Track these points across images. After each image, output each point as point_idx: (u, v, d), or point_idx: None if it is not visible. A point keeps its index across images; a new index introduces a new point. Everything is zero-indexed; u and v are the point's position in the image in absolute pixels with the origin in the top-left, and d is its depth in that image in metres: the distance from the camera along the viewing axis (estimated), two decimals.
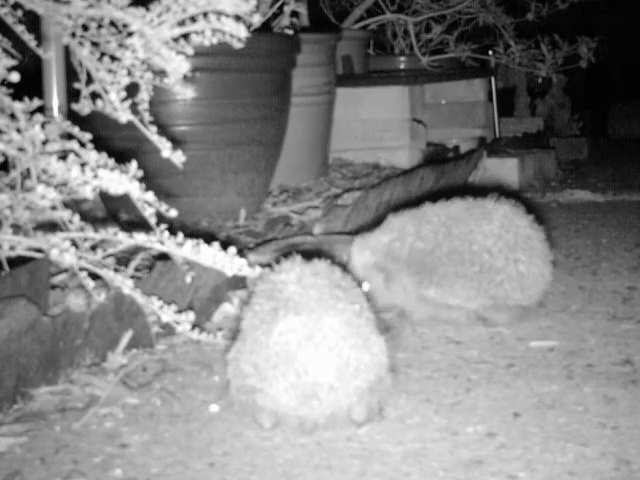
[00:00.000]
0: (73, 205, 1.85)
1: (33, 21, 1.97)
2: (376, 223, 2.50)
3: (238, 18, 1.61)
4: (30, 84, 1.97)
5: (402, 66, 5.63)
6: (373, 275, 2.39)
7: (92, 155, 1.65)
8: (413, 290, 2.38)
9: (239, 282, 2.50)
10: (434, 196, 2.49)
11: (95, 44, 1.67)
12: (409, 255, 2.37)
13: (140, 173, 1.62)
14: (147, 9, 1.62)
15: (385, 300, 2.38)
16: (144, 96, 1.63)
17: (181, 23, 1.60)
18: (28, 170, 1.73)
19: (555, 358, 2.17)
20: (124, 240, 1.68)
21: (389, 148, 4.49)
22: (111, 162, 1.64)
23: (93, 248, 1.73)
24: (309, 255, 1.90)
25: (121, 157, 1.66)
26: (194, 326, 1.71)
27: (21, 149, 1.70)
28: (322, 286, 1.78)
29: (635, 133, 7.29)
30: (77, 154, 1.65)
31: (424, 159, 4.53)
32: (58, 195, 1.64)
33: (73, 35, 1.67)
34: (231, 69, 3.17)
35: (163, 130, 1.66)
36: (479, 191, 2.53)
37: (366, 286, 2.36)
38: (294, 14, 3.83)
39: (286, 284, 1.78)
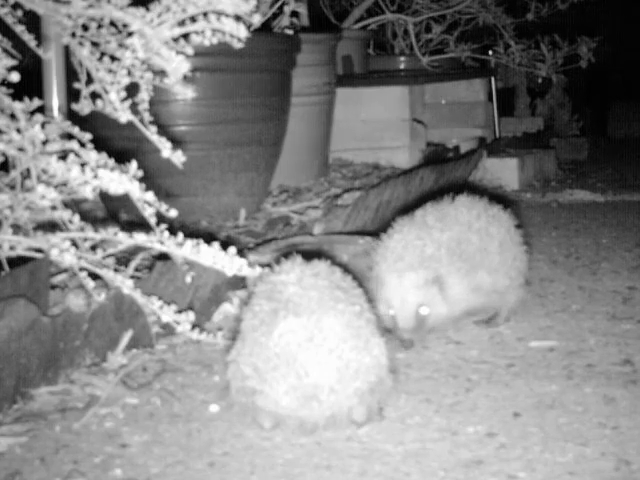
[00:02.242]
0: (73, 205, 1.85)
1: (33, 21, 1.97)
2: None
3: (238, 18, 1.61)
4: (30, 84, 1.97)
5: (402, 66, 5.63)
6: (430, 293, 2.20)
7: (92, 155, 1.65)
8: (468, 285, 2.26)
9: (239, 282, 2.50)
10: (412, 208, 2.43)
11: (95, 44, 1.67)
12: (446, 251, 2.24)
13: (140, 173, 1.62)
14: (147, 9, 1.62)
15: (443, 317, 2.24)
16: (144, 96, 1.64)
17: (181, 23, 1.60)
18: (28, 170, 1.73)
19: (555, 358, 2.17)
20: (124, 240, 1.68)
21: (389, 148, 4.49)
22: (111, 162, 1.64)
23: (93, 248, 1.73)
24: (309, 255, 1.90)
25: (121, 157, 1.66)
26: (194, 326, 1.71)
27: (21, 149, 1.70)
28: (322, 287, 1.78)
29: (635, 133, 7.29)
30: (77, 154, 1.66)
31: (424, 159, 4.53)
32: (58, 195, 1.64)
33: (73, 35, 1.67)
34: (231, 69, 3.17)
35: (163, 130, 1.66)
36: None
37: (425, 310, 2.20)
38: (294, 14, 3.83)
39: (286, 285, 1.78)
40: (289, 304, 1.74)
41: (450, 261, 2.23)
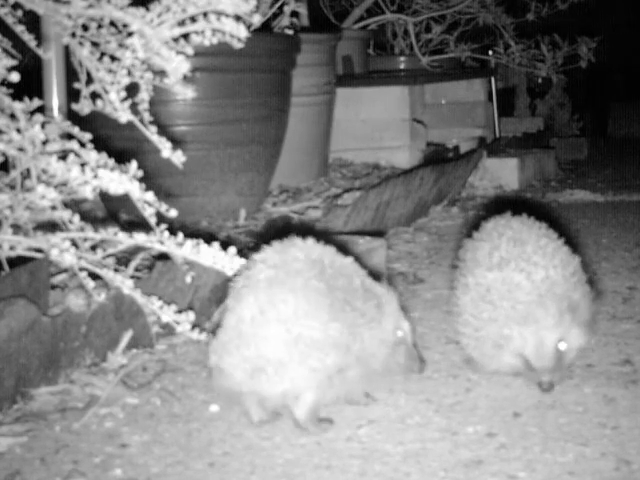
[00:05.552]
0: (73, 205, 1.85)
1: (33, 21, 1.97)
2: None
3: (238, 18, 1.61)
4: (30, 84, 1.97)
5: (402, 66, 5.63)
6: (566, 324, 1.93)
7: (92, 155, 1.65)
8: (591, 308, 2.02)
9: None
10: None
11: (95, 44, 1.67)
12: (571, 274, 1.99)
13: (140, 173, 1.62)
14: (147, 9, 1.62)
15: (580, 347, 1.99)
16: (144, 96, 1.64)
17: (181, 23, 1.60)
18: (28, 170, 1.73)
19: None
20: (124, 240, 1.68)
21: (389, 148, 4.49)
22: (111, 162, 1.64)
23: (93, 248, 1.73)
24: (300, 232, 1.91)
25: (121, 157, 1.66)
26: (194, 326, 1.71)
27: (21, 149, 1.70)
28: (285, 263, 1.77)
29: (635, 133, 7.29)
30: (77, 154, 1.66)
31: (424, 159, 4.53)
32: (58, 195, 1.64)
33: (73, 35, 1.67)
34: (231, 69, 3.18)
35: (163, 130, 1.66)
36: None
37: (563, 345, 1.94)
38: (294, 14, 3.84)
39: (255, 263, 1.79)
40: (251, 281, 1.75)
41: (578, 285, 2.00)
